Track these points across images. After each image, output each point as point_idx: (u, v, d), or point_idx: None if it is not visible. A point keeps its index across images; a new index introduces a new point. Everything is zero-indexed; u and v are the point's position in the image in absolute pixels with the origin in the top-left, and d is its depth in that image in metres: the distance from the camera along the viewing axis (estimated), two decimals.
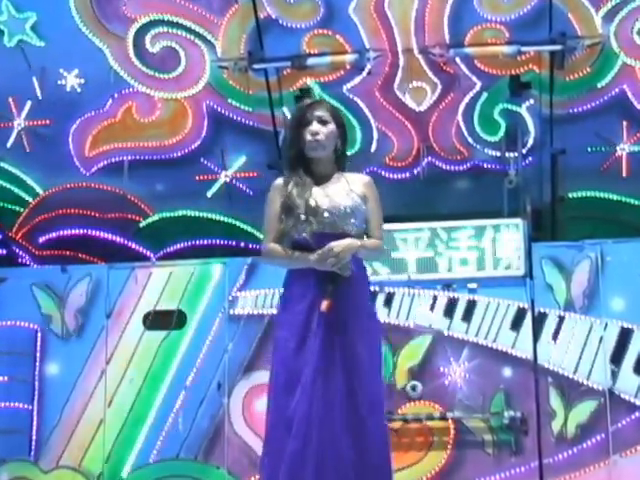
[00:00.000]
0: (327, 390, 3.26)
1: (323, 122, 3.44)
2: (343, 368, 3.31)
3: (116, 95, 7.70)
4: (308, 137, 3.42)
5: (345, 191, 3.43)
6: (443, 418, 6.73)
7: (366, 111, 7.65)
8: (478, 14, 7.23)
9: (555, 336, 6.74)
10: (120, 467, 7.04)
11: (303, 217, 3.35)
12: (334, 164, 3.51)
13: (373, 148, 7.78)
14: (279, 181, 3.52)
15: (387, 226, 6.72)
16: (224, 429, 6.96)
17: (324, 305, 3.29)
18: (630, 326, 6.66)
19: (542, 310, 6.80)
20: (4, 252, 8.15)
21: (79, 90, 7.61)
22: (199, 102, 7.71)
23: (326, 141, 3.43)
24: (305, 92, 7.43)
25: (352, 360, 3.32)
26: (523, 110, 7.46)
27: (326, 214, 3.37)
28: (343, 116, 3.62)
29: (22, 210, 8.15)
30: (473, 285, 6.91)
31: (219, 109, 7.73)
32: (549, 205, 7.63)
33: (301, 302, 3.36)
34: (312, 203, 3.36)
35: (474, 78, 7.43)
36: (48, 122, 7.77)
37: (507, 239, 6.96)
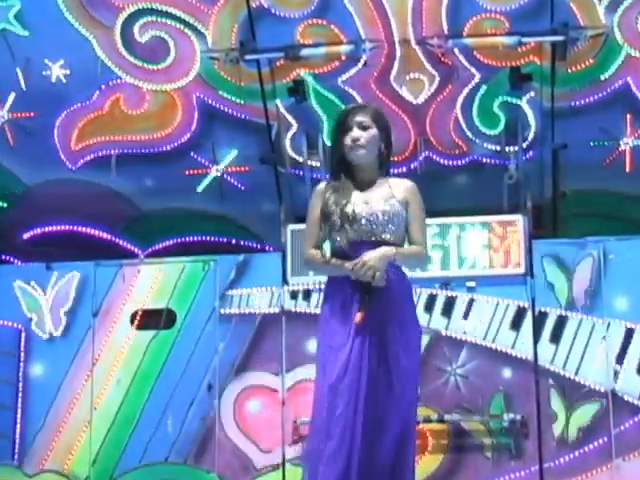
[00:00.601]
0: (368, 404, 3.32)
1: (364, 127, 3.48)
2: (383, 380, 3.36)
3: (103, 87, 7.67)
4: (349, 143, 3.47)
5: (385, 197, 3.47)
6: (441, 421, 6.74)
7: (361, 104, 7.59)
8: (477, 4, 7.22)
9: (556, 336, 6.74)
10: (107, 471, 7.04)
11: (339, 225, 3.41)
12: (378, 169, 3.56)
13: None
14: (321, 186, 3.58)
15: None
16: (215, 432, 6.97)
17: (357, 317, 3.34)
18: (633, 326, 6.67)
19: (543, 309, 6.81)
20: None
21: (65, 81, 7.58)
22: (189, 94, 7.69)
23: (367, 146, 3.48)
24: (299, 84, 7.42)
25: (391, 371, 3.37)
26: (524, 103, 7.45)
27: (363, 221, 3.42)
28: (387, 120, 3.66)
29: (5, 205, 8.13)
30: (472, 283, 6.93)
31: (210, 101, 7.71)
32: (550, 201, 7.64)
33: (342, 312, 3.40)
34: (348, 210, 3.41)
35: (473, 70, 7.41)
36: (33, 114, 7.74)
37: (507, 236, 6.96)
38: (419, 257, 3.55)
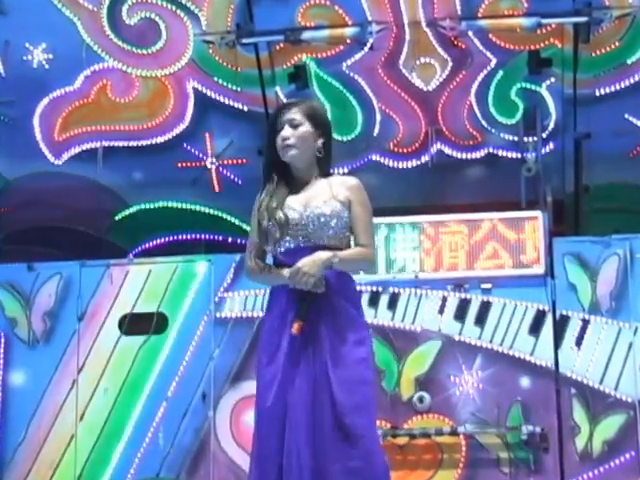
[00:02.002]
0: (301, 421, 3.30)
1: (294, 125, 3.46)
2: (323, 394, 3.33)
3: (89, 72, 7.66)
4: (279, 142, 3.47)
5: (324, 197, 3.46)
6: (454, 433, 6.72)
7: (368, 91, 7.64)
8: None
9: (579, 342, 6.73)
10: None
11: (272, 231, 3.43)
12: (317, 168, 3.54)
13: (376, 132, 7.78)
14: (260, 193, 3.58)
15: (391, 219, 7.02)
16: (209, 445, 6.96)
17: (295, 327, 3.34)
18: None
19: (564, 313, 6.80)
20: None
21: (47, 66, 7.57)
22: (181, 81, 7.69)
23: (298, 145, 3.46)
24: (300, 69, 7.42)
25: (331, 383, 3.33)
26: (543, 90, 7.45)
27: (298, 226, 3.43)
28: (325, 114, 3.64)
29: None
30: (487, 285, 6.91)
31: (204, 89, 7.72)
32: (572, 196, 7.64)
33: (279, 323, 3.42)
34: (280, 215, 3.42)
35: (489, 54, 7.41)
36: (12, 102, 7.71)
37: (526, 233, 6.93)
38: (363, 259, 3.51)
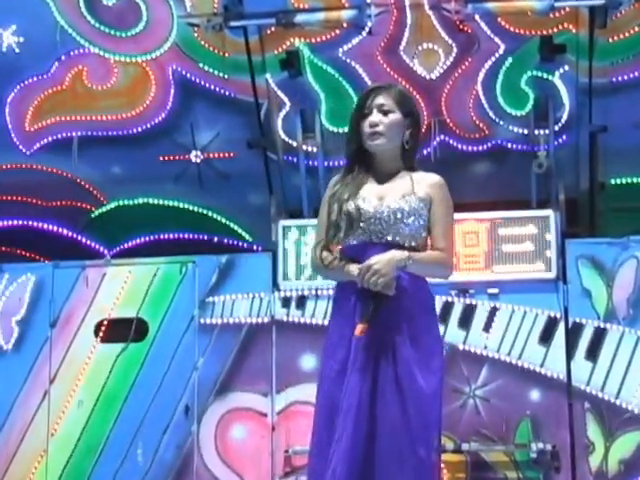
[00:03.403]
0: (370, 427, 3.32)
1: (385, 112, 3.48)
2: (393, 403, 3.34)
3: (63, 57, 7.64)
4: (366, 129, 3.48)
5: (404, 192, 3.46)
6: (457, 451, 6.72)
7: (366, 79, 7.56)
8: None
9: (593, 352, 6.72)
10: None
11: (342, 223, 3.44)
12: (401, 160, 3.54)
13: None
14: (334, 178, 3.59)
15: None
16: (193, 462, 6.96)
17: (358, 329, 3.31)
18: None
19: (578, 320, 6.79)
20: None
21: (18, 50, 7.53)
22: (164, 67, 7.66)
23: (387, 134, 3.47)
24: (292, 55, 7.37)
25: (404, 393, 3.34)
26: (556, 78, 7.41)
27: (371, 220, 3.42)
28: (415, 102, 3.65)
29: None
30: (494, 290, 6.91)
31: (188, 75, 7.70)
32: (587, 194, 7.62)
33: (346, 325, 3.40)
34: (350, 207, 3.42)
35: (497, 40, 7.38)
36: None
37: (536, 234, 6.93)
38: (439, 265, 3.49)
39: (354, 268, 3.37)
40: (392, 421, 3.33)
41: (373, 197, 3.45)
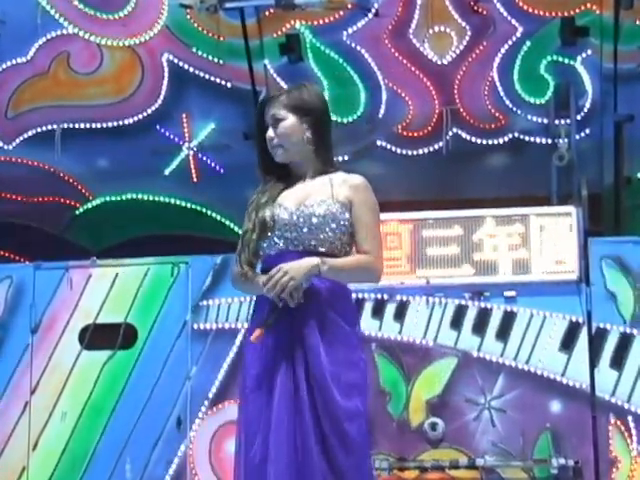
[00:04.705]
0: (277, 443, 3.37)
1: (276, 121, 3.58)
2: (308, 418, 3.38)
3: (45, 40, 7.65)
4: (268, 144, 3.61)
5: (322, 197, 3.53)
6: (472, 466, 6.69)
7: (372, 64, 7.65)
8: None
9: (619, 360, 6.69)
10: None
11: (258, 233, 3.53)
12: (317, 162, 3.62)
13: (381, 113, 7.79)
14: (254, 193, 3.71)
15: (398, 215, 7.00)
16: (185, 479, 6.94)
17: (254, 335, 3.40)
18: None
19: (602, 326, 6.77)
20: None
21: None
22: (154, 51, 7.70)
23: (284, 143, 3.57)
24: (293, 39, 7.41)
25: (315, 414, 3.38)
26: (578, 64, 7.45)
27: (287, 227, 3.50)
28: (315, 99, 3.65)
29: None
30: (511, 293, 6.89)
31: (180, 61, 7.73)
32: (611, 189, 7.64)
33: (260, 344, 3.47)
34: (265, 215, 3.52)
35: (514, 22, 7.41)
36: None
37: (556, 233, 6.91)
38: (363, 268, 3.55)
39: (261, 277, 3.45)
40: (307, 443, 3.37)
41: (290, 203, 3.53)
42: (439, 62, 7.54)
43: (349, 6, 7.39)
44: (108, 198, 8.13)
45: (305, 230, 3.48)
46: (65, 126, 7.83)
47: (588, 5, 7.24)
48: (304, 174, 3.59)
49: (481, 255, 6.96)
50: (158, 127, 7.88)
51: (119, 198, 8.12)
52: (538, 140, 7.69)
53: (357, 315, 3.65)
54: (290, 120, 3.55)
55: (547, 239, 6.91)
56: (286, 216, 3.50)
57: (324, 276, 3.43)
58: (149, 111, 7.83)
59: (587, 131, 7.59)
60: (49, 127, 7.83)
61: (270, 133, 3.55)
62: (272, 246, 3.50)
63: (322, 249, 3.48)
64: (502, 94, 7.61)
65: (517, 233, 6.95)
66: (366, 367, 3.52)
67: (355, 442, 3.37)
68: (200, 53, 7.66)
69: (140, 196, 8.11)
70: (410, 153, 7.85)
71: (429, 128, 7.74)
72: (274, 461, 3.34)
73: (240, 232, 3.68)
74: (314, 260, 3.41)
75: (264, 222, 3.49)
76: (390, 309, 6.90)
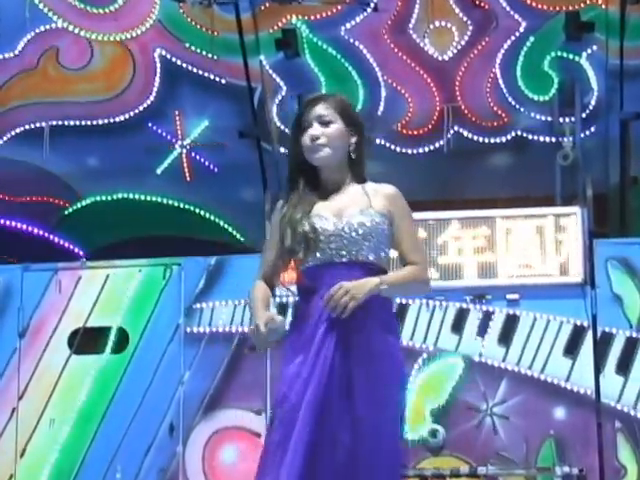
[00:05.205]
0: (322, 457, 3.39)
1: (325, 122, 3.59)
2: (342, 426, 3.40)
3: (33, 34, 7.65)
4: (307, 143, 3.59)
5: (361, 206, 3.56)
6: (473, 475, 6.68)
7: (371, 60, 7.65)
8: None
9: (625, 365, 6.70)
10: None
11: (299, 248, 3.53)
12: (349, 172, 3.65)
13: (380, 111, 7.78)
14: (280, 202, 3.68)
15: None
16: None
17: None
18: None
19: (607, 330, 6.78)
20: None
21: None
22: (146, 47, 7.70)
23: (331, 145, 3.58)
24: (289, 34, 7.40)
25: (355, 422, 3.40)
26: (583, 60, 7.45)
27: (332, 238, 3.52)
28: (356, 111, 3.74)
29: None
30: (514, 296, 6.91)
31: (173, 57, 7.73)
32: (617, 189, 7.62)
33: (301, 351, 3.49)
34: (306, 228, 3.52)
35: (517, 16, 7.42)
36: None
37: (561, 234, 6.92)
38: (418, 281, 3.61)
39: (262, 314, 3.45)
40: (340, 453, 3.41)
41: (328, 213, 3.55)
42: (440, 58, 7.55)
43: (347, 0, 7.40)
44: (98, 198, 8.11)
45: (350, 240, 3.50)
46: (54, 123, 7.82)
47: None
48: (336, 182, 3.61)
49: (482, 257, 6.98)
50: (150, 125, 7.87)
51: (110, 198, 8.09)
52: (542, 139, 7.68)
53: (399, 326, 3.68)
54: (339, 124, 3.58)
55: (551, 240, 6.92)
56: (329, 227, 3.51)
57: (383, 294, 3.46)
58: (141, 108, 7.82)
59: (592, 129, 7.58)
60: (37, 124, 7.83)
61: (316, 131, 3.56)
62: (314, 259, 3.50)
63: (368, 259, 3.50)
64: (505, 91, 7.61)
65: (522, 234, 6.97)
66: (406, 385, 3.65)
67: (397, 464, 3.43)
68: (193, 48, 7.67)
69: (131, 196, 8.08)
70: (410, 152, 7.84)
71: (429, 126, 7.74)
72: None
73: (264, 249, 3.68)
74: (375, 280, 3.43)
75: (307, 236, 3.49)
76: None
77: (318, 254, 3.50)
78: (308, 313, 3.51)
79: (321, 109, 3.59)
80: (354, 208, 3.54)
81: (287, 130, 7.66)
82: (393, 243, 3.58)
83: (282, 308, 6.94)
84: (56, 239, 8.08)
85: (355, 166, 3.63)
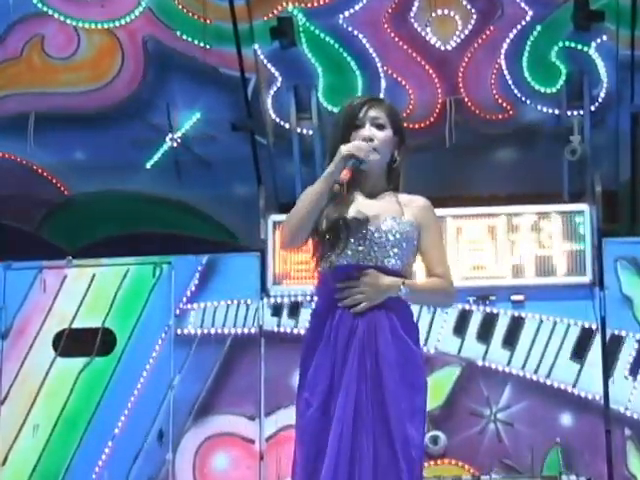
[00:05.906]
0: (354, 459, 3.45)
1: (379, 126, 3.69)
2: (373, 429, 3.47)
3: (17, 22, 7.60)
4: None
5: (393, 214, 3.67)
6: None
7: (370, 50, 7.62)
8: None
9: (635, 370, 6.72)
10: None
11: (329, 245, 3.61)
12: (385, 180, 3.76)
13: None
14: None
15: None
16: None
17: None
18: None
19: (617, 332, 6.80)
20: None
21: None
22: (135, 35, 7.67)
23: (381, 149, 3.68)
24: (285, 23, 7.35)
25: (385, 420, 3.46)
26: (592, 50, 7.41)
27: (361, 240, 3.61)
28: (403, 120, 3.85)
29: None
30: (519, 297, 6.93)
31: (164, 45, 7.69)
32: (627, 185, 7.63)
33: (324, 354, 3.58)
34: (341, 227, 3.61)
35: (523, 5, 7.37)
36: None
37: (568, 232, 6.94)
38: (441, 293, 3.72)
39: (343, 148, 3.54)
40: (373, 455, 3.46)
41: (363, 217, 3.63)
42: (442, 48, 7.52)
43: None
44: (85, 192, 8.07)
45: (380, 246, 3.59)
46: (39, 115, 7.78)
47: None
48: (373, 188, 3.69)
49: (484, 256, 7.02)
50: (139, 117, 7.84)
51: (97, 192, 8.04)
52: (549, 132, 7.66)
53: (419, 334, 3.73)
54: (390, 131, 3.68)
55: (558, 239, 6.94)
56: (362, 230, 3.58)
57: (404, 298, 3.55)
58: (129, 99, 7.80)
59: (602, 123, 7.56)
60: (21, 115, 7.79)
61: (370, 133, 3.64)
62: (344, 257, 3.57)
63: (394, 267, 3.59)
64: (510, 83, 7.58)
65: (528, 232, 7.00)
66: (427, 391, 3.63)
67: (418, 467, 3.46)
68: (185, 37, 7.63)
69: (119, 191, 8.02)
70: (410, 144, 7.81)
71: (431, 119, 7.72)
72: None
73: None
74: (397, 281, 3.56)
75: (339, 236, 3.57)
76: None
77: (347, 255, 3.58)
78: (327, 314, 3.58)
79: (375, 111, 3.69)
80: (387, 215, 3.62)
81: (282, 123, 7.68)
82: (420, 254, 3.68)
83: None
84: (41, 236, 8.08)
85: (393, 174, 3.74)
